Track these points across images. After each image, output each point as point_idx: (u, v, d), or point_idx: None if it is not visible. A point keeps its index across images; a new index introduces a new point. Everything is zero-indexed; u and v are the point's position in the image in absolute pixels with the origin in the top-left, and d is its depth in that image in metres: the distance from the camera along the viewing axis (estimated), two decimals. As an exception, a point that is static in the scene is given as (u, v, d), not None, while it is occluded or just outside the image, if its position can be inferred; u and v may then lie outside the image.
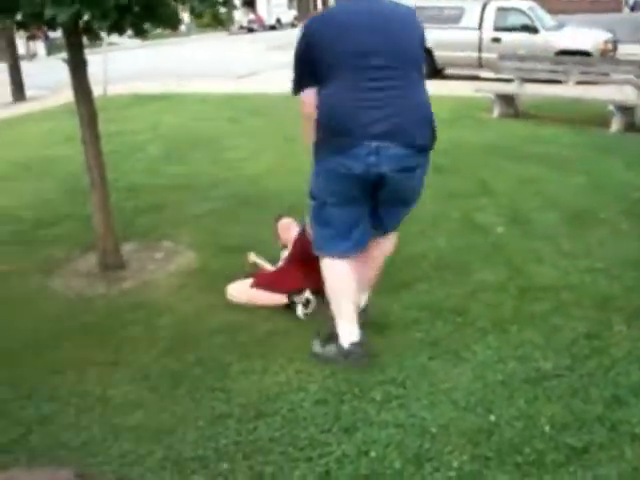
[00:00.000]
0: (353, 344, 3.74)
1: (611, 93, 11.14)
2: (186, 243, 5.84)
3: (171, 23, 4.51)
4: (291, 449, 3.11)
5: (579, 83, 12.84)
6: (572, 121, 10.42)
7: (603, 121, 9.98)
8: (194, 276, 5.19)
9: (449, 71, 17.39)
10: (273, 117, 11.63)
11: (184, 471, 3.02)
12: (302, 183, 7.28)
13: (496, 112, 11.30)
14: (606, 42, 16.24)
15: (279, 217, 5.04)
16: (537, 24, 16.24)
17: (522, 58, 11.88)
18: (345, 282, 3.78)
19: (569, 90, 11.79)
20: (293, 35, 37.35)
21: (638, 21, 35.21)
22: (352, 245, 3.77)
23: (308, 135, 3.74)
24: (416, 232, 5.39)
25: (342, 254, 3.76)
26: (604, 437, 3.08)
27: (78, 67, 4.92)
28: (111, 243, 5.33)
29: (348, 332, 3.76)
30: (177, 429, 3.32)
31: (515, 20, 16.40)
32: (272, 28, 47.01)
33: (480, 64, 16.18)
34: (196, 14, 4.33)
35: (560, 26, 17.10)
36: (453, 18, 16.70)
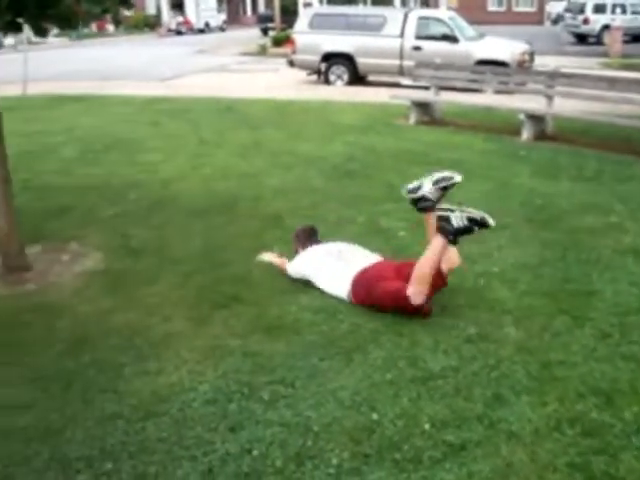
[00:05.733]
0: None
1: (524, 102, 11.45)
2: (94, 245, 5.79)
3: (68, 23, 4.49)
4: (176, 448, 3.13)
5: (497, 92, 13.20)
6: (486, 129, 10.68)
7: (515, 130, 10.25)
8: (99, 278, 5.16)
9: (371, 78, 17.66)
10: (193, 120, 11.64)
11: (68, 471, 3.02)
12: (215, 186, 7.37)
13: (412, 119, 11.47)
14: (523, 53, 16.72)
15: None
16: (457, 34, 16.61)
17: (438, 66, 12.05)
18: None
19: (484, 99, 12.05)
20: (221, 39, 37.19)
21: (557, 34, 36.37)
22: None
23: None
24: (320, 235, 5.43)
25: None
26: (481, 435, 3.19)
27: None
28: (15, 245, 5.24)
29: None
30: (66, 429, 3.31)
31: (436, 29, 16.76)
32: (201, 32, 46.84)
33: (401, 71, 16.43)
34: (92, 15, 4.32)
35: (480, 36, 17.52)
36: (376, 26, 16.96)
